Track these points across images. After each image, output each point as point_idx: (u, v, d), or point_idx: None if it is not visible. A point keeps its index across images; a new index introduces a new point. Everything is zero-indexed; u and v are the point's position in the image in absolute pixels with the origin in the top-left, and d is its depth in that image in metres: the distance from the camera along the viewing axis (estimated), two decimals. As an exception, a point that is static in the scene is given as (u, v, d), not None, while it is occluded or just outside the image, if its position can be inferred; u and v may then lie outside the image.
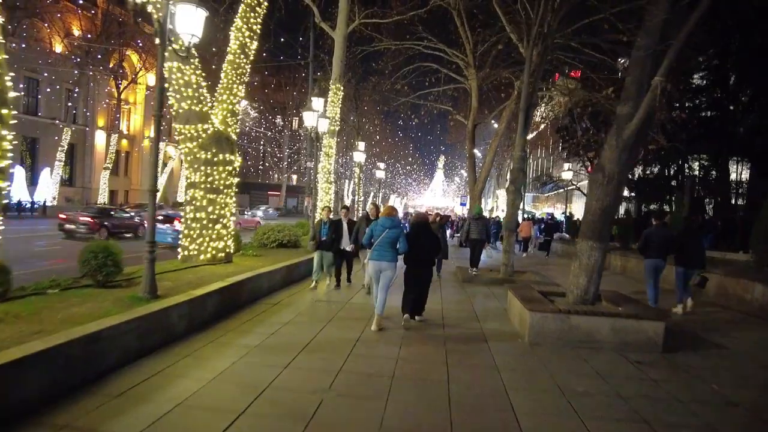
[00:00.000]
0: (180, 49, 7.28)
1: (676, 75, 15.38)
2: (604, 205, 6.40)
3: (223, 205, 9.01)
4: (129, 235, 18.32)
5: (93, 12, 31.92)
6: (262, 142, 47.81)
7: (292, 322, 6.59)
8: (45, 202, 28.56)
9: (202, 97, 8.73)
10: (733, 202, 25.08)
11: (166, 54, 8.39)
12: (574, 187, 36.58)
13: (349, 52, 22.23)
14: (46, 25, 29.65)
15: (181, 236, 8.94)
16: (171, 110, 8.88)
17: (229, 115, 9.57)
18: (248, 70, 10.12)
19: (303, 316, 6.97)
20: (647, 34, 6.21)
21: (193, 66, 8.56)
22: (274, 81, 41.45)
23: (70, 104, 32.67)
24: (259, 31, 10.32)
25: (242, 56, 9.90)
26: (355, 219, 10.30)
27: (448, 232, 24.01)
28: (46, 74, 31.34)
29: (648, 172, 29.86)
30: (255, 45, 10.22)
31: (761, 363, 6.06)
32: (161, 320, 5.35)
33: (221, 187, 8.97)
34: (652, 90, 5.88)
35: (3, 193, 5.30)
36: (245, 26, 9.91)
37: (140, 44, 33.46)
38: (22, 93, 30.31)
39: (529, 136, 42.47)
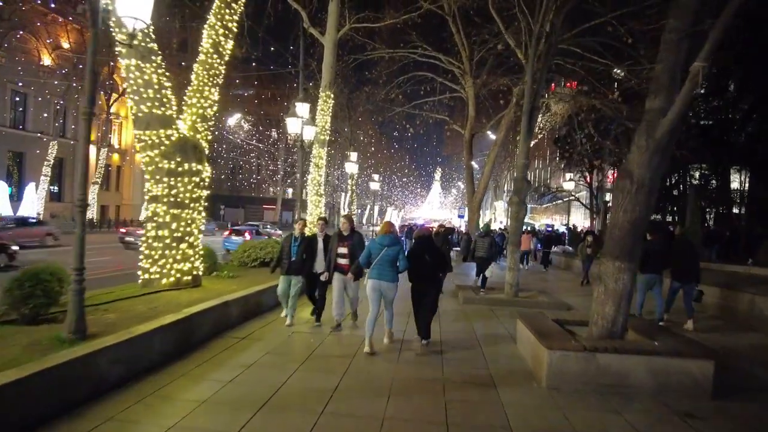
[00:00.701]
0: (126, 39, 6.18)
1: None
2: (634, 217, 5.26)
3: (189, 222, 7.85)
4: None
5: (82, 24, 31.02)
6: (253, 155, 46.70)
7: (258, 364, 5.39)
8: (28, 218, 27.33)
9: (165, 100, 7.64)
10: (731, 211, 24.36)
11: (122, 50, 7.36)
12: (574, 198, 35.69)
13: (341, 60, 21.32)
14: (34, 37, 28.76)
15: (141, 257, 7.76)
16: (131, 114, 7.76)
17: (199, 120, 8.47)
18: (222, 71, 9.04)
19: (273, 355, 5.77)
20: (679, 14, 5.14)
21: (154, 64, 7.48)
22: (268, 93, 40.61)
23: (60, 121, 31.73)
24: (235, 30, 9.27)
25: (215, 56, 8.82)
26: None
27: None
28: (33, 88, 30.36)
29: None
30: (231, 45, 9.15)
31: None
32: (84, 370, 4.17)
33: (187, 201, 7.82)
34: (692, 78, 4.79)
35: None
36: (219, 23, 8.85)
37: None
38: (10, 107, 29.35)
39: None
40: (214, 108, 8.93)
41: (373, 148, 37.26)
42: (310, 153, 14.33)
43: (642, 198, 5.26)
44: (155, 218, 7.66)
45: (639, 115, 15.17)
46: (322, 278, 6.96)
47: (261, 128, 38.71)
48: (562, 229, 30.06)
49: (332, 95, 15.97)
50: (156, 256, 7.64)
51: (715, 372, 4.84)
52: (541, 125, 30.50)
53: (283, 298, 7.25)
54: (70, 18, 30.07)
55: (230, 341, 6.26)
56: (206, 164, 8.35)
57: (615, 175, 32.06)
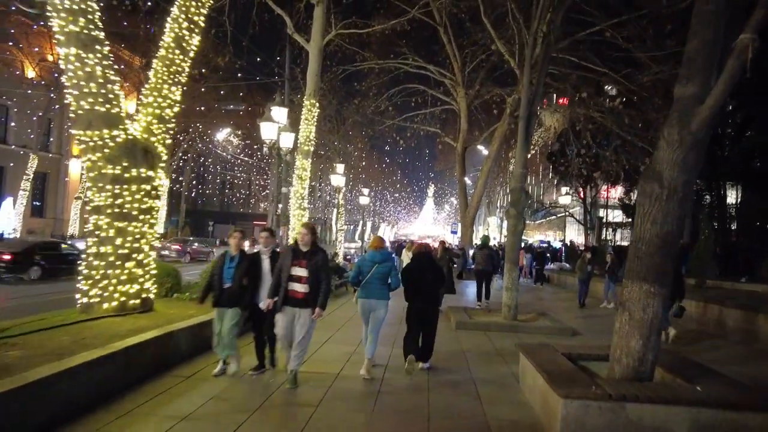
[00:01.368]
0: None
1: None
2: (664, 230, 4.20)
3: (137, 236, 6.70)
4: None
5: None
6: (239, 170, 45.52)
7: (195, 417, 4.19)
8: (2, 234, 25.95)
9: (111, 95, 6.57)
10: (727, 226, 23.78)
11: (61, 38, 6.32)
12: (568, 214, 34.83)
13: (329, 71, 20.47)
14: (17, 49, 27.77)
15: (80, 278, 6.58)
16: (70, 111, 6.67)
17: (155, 121, 7.39)
18: (186, 69, 8.00)
19: (217, 402, 4.58)
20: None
21: (99, 55, 6.43)
22: (260, 110, 39.75)
23: (44, 135, 30.53)
24: (202, 24, 8.27)
25: (178, 52, 7.78)
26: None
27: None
28: (15, 100, 29.26)
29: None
30: (196, 41, 8.14)
31: None
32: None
33: (135, 213, 6.69)
34: (738, 54, 3.80)
35: None
36: (183, 16, 7.84)
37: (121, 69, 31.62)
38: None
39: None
40: (175, 109, 7.86)
41: (364, 163, 36.27)
42: (289, 162, 13.28)
43: (674, 206, 4.21)
44: (97, 232, 6.51)
45: (643, 122, 14.45)
46: (262, 306, 5.05)
47: (249, 142, 37.71)
48: (558, 245, 28.99)
49: (317, 104, 14.99)
50: (97, 277, 6.46)
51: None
52: (534, 140, 29.79)
53: (218, 339, 5.28)
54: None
55: (171, 381, 5.07)
56: (158, 170, 7.24)
57: (608, 190, 31.40)
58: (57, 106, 32.00)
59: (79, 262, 6.86)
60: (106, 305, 6.43)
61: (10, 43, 26.58)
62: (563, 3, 9.34)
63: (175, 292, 8.65)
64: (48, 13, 6.24)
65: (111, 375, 4.56)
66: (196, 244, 30.52)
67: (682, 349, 7.84)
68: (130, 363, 4.84)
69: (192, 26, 7.99)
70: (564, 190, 23.12)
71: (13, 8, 20.04)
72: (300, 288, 4.84)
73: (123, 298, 6.54)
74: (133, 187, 6.66)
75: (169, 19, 7.96)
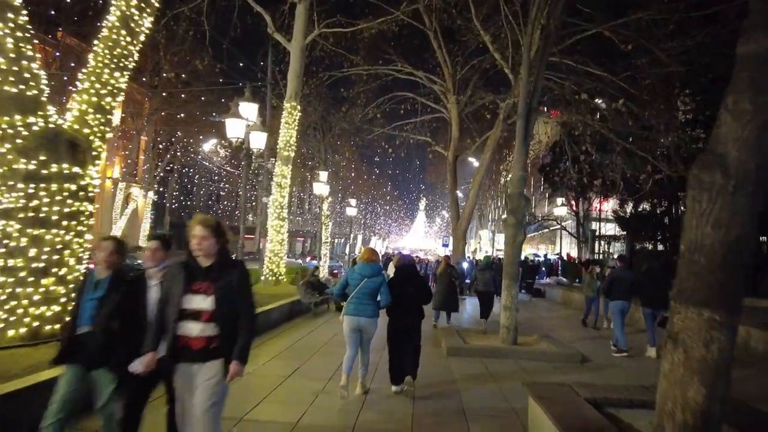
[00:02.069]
0: None
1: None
2: (732, 235, 3.02)
3: (59, 246, 5.41)
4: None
5: (51, 41, 28.80)
6: (224, 182, 44.13)
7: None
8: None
9: (26, 75, 5.34)
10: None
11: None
12: (561, 227, 33.81)
13: (315, 77, 19.43)
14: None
15: (-17, 298, 5.25)
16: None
17: (92, 110, 6.17)
18: (134, 54, 6.81)
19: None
20: None
21: (10, 25, 5.22)
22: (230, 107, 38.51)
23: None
24: (156, 4, 7.14)
25: (125, 33, 6.60)
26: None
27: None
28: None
29: (641, 208, 27.28)
30: (148, 22, 6.98)
31: None
32: None
33: (56, 218, 5.41)
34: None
35: None
36: (133, -8, 6.72)
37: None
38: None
39: (510, 176, 40.23)
40: (119, 98, 6.68)
41: (353, 174, 35.11)
42: (262, 167, 12.07)
43: (743, 202, 3.04)
44: (6, 241, 5.22)
45: (642, 129, 13.47)
46: (137, 368, 2.86)
47: (236, 152, 36.52)
48: (553, 257, 27.92)
49: (299, 107, 13.87)
50: (2, 297, 5.15)
51: None
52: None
53: (55, 415, 2.97)
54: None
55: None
56: (89, 167, 5.98)
57: (601, 203, 30.55)
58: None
59: None
60: (12, 332, 5.11)
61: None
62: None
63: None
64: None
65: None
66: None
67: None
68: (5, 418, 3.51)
69: (143, 5, 6.83)
70: (560, 201, 22.08)
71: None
72: (196, 331, 2.77)
73: (36, 323, 5.23)
74: (53, 187, 5.39)
75: (116, -6, 6.80)
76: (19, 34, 5.27)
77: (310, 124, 20.73)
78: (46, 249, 5.32)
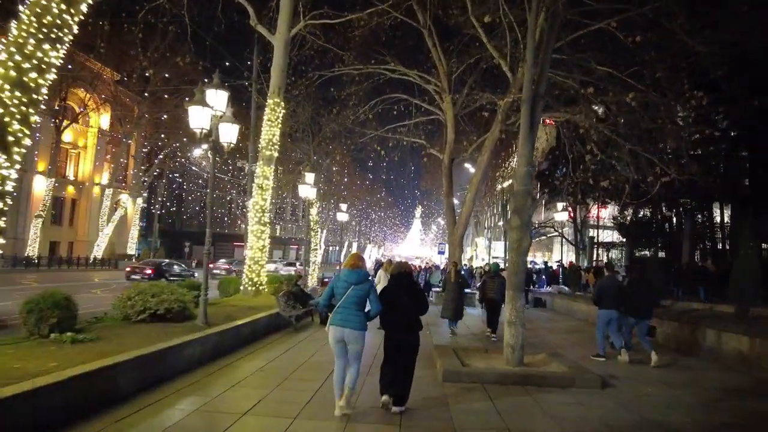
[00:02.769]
0: None
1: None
2: None
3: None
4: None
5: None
6: (204, 187, 42.78)
7: None
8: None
9: None
10: (719, 247, 22.37)
11: None
12: (559, 234, 32.77)
13: (305, 77, 18.37)
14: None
15: None
16: None
17: (7, 86, 5.03)
18: (71, 25, 5.70)
19: None
20: None
21: None
22: (244, 130, 37.46)
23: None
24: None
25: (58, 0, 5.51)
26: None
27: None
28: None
29: (641, 215, 26.31)
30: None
31: None
32: None
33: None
34: None
35: None
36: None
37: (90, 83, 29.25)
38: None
39: (506, 184, 39.12)
40: (49, 76, 5.53)
41: (346, 179, 33.90)
42: (229, 163, 10.89)
43: None
44: None
45: (647, 130, 12.44)
46: None
47: (228, 160, 35.27)
48: (554, 265, 26.80)
49: (282, 103, 12.75)
50: None
51: None
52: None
53: None
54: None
55: None
56: (14, 155, 4.82)
57: (599, 209, 29.52)
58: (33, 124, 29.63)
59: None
60: None
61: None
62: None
63: (65, 328, 6.14)
64: None
65: None
66: (176, 266, 26.12)
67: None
68: None
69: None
70: (560, 205, 21.00)
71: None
72: None
73: None
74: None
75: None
76: None
77: (300, 126, 19.61)
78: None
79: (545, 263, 26.34)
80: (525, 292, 16.83)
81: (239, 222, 46.16)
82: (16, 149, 5.04)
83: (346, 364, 4.72)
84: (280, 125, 12.58)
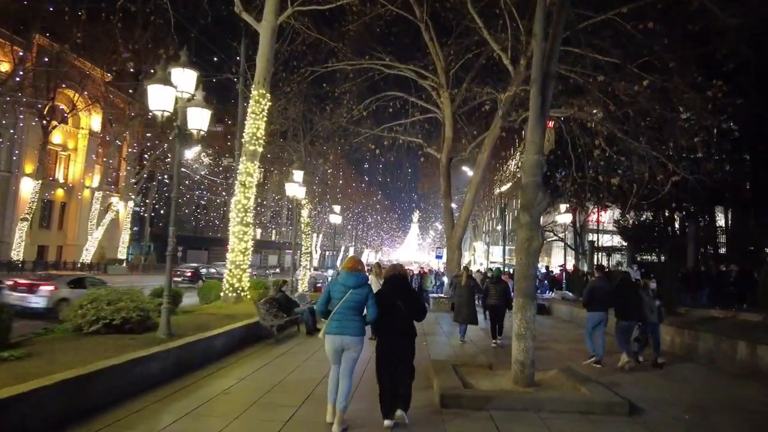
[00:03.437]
0: None
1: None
2: None
3: None
4: None
5: (25, 45, 26.67)
6: (197, 191, 41.64)
7: None
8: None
9: None
10: (720, 251, 21.96)
11: None
12: (559, 238, 31.84)
13: (297, 73, 17.45)
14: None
15: None
16: None
17: None
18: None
19: None
20: None
21: None
22: (233, 129, 36.51)
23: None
24: None
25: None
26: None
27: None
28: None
29: (644, 218, 25.44)
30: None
31: None
32: None
33: None
34: None
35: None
36: None
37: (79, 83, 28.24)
38: None
39: (504, 188, 38.13)
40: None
41: (341, 181, 32.87)
42: (186, 150, 9.90)
43: None
44: None
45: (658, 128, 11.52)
46: None
47: (218, 161, 34.29)
48: (557, 270, 25.88)
49: (268, 95, 11.79)
50: None
51: None
52: (519, 165, 26.89)
53: None
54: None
55: None
56: None
57: (599, 213, 28.62)
58: (21, 124, 28.76)
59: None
60: None
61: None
62: None
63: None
64: None
65: None
66: (212, 269, 24.83)
67: None
68: None
69: None
70: (563, 207, 20.05)
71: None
72: None
73: None
74: None
75: None
76: None
77: (291, 124, 18.65)
78: None
79: (546, 268, 25.36)
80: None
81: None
82: None
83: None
84: (265, 118, 11.62)
